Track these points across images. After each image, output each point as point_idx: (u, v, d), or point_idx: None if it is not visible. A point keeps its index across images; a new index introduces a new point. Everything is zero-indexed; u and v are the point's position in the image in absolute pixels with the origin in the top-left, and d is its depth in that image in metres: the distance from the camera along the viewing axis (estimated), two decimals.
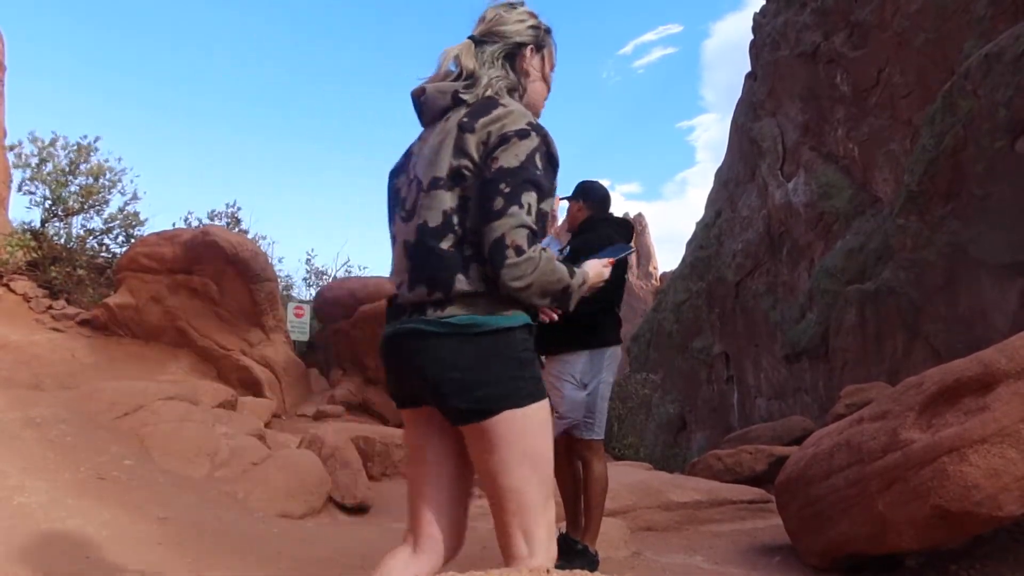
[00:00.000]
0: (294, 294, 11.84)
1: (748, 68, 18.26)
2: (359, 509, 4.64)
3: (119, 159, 10.42)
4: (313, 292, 11.89)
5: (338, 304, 9.44)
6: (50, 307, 8.19)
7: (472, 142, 1.46)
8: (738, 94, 18.91)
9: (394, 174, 1.68)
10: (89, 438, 4.16)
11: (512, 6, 1.67)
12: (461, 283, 1.45)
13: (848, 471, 3.47)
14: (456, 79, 1.59)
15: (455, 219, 1.48)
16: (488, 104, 1.51)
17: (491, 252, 1.42)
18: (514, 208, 1.42)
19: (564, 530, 3.55)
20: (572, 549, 3.35)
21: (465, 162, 1.47)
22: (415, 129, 1.69)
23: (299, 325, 9.48)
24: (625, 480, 5.28)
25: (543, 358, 3.49)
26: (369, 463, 5.46)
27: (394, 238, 1.63)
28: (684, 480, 5.88)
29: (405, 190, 1.60)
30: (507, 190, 1.43)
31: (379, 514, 4.72)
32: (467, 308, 1.45)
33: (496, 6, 1.66)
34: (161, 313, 7.83)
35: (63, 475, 3.59)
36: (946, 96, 9.04)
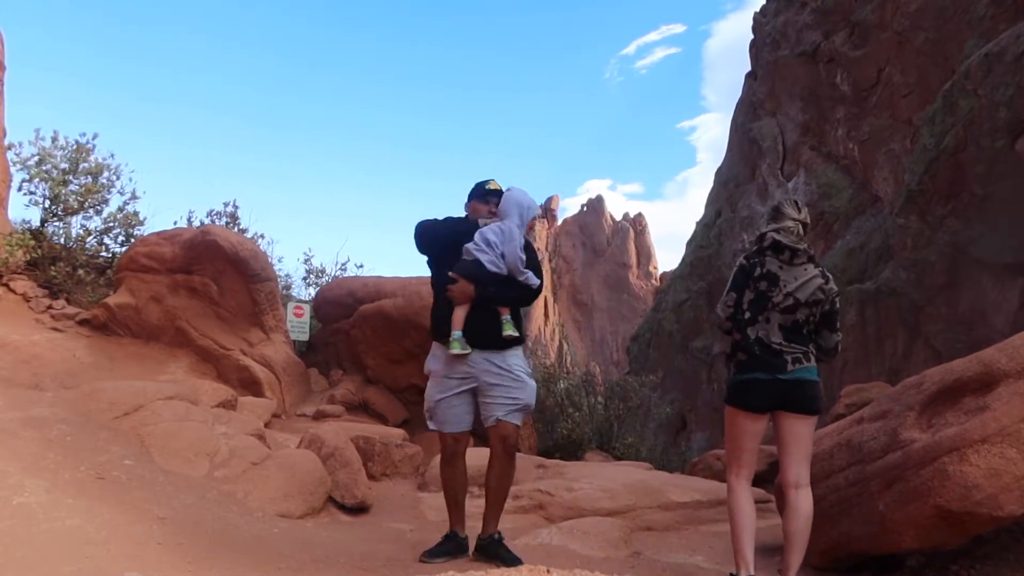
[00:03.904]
0: (294, 294, 11.80)
1: (749, 68, 18.25)
2: (359, 509, 4.64)
3: (112, 155, 10.29)
4: (313, 292, 11.86)
5: (338, 304, 9.41)
6: (50, 307, 8.18)
7: (826, 290, 3.21)
8: (739, 94, 18.90)
9: (758, 279, 3.23)
10: (89, 438, 4.15)
11: (799, 206, 3.37)
12: (811, 349, 3.23)
13: (848, 471, 3.47)
14: (788, 233, 3.26)
15: (810, 319, 3.22)
16: (823, 270, 3.27)
17: (836, 345, 3.32)
18: (839, 327, 3.35)
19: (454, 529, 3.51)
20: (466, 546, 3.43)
21: (821, 298, 3.21)
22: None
23: (299, 325, 9.46)
24: (625, 480, 5.28)
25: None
26: (369, 463, 5.45)
27: (768, 319, 3.19)
28: (684, 480, 5.87)
29: (777, 296, 3.18)
30: (839, 317, 3.32)
31: (379, 514, 4.72)
32: (813, 363, 3.20)
33: (802, 208, 3.36)
34: (161, 313, 7.82)
35: (63, 475, 3.59)
36: (946, 96, 9.04)
